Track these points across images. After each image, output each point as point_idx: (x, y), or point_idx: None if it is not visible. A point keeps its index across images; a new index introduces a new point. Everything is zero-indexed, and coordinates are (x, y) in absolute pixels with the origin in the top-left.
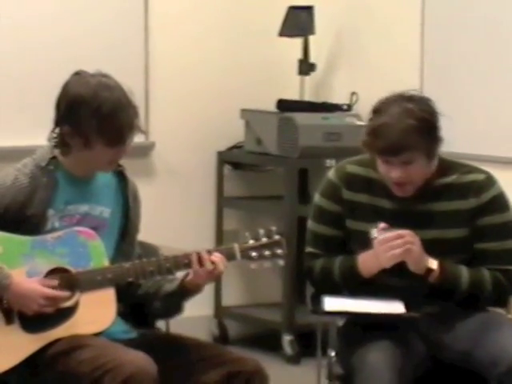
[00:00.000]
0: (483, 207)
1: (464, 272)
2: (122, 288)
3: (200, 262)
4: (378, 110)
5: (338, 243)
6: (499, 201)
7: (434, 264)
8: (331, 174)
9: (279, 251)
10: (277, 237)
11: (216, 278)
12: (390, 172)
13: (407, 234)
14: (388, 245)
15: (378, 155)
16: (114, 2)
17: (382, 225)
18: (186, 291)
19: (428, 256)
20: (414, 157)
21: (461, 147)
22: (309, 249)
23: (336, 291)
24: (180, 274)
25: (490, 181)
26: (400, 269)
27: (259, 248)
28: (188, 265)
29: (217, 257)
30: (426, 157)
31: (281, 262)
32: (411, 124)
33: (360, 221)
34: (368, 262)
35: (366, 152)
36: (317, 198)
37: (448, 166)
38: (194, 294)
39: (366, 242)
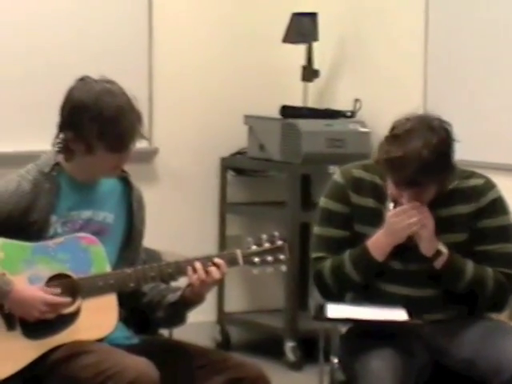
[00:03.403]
0: (482, 210)
1: (469, 264)
2: (126, 295)
3: (193, 270)
4: (397, 137)
5: (348, 245)
6: (498, 204)
7: (444, 248)
8: (337, 176)
9: (282, 257)
10: (279, 242)
11: (211, 285)
12: (400, 196)
13: (425, 209)
14: (405, 215)
15: (392, 182)
16: (118, 7)
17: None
18: (187, 301)
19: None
20: (428, 188)
21: (464, 154)
22: (316, 254)
23: (350, 288)
24: (184, 282)
25: (489, 184)
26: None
27: (262, 254)
28: (187, 272)
29: (216, 264)
30: (438, 185)
31: (283, 268)
32: (429, 161)
33: (366, 225)
34: (380, 241)
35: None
36: (323, 201)
37: None
38: (195, 304)
39: None
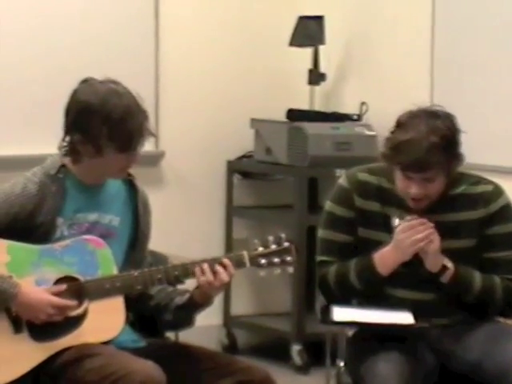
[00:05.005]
0: (492, 217)
1: (476, 276)
2: (133, 298)
3: (201, 272)
4: (402, 125)
5: (352, 249)
6: (507, 211)
7: (449, 263)
8: (342, 180)
9: (289, 258)
10: (286, 244)
11: (219, 288)
12: (408, 188)
13: (431, 225)
14: (412, 230)
15: (400, 170)
16: (124, 11)
17: (409, 217)
18: (195, 303)
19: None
20: (436, 174)
21: (472, 157)
22: (321, 258)
23: (353, 296)
24: (192, 285)
25: (498, 191)
26: (413, 276)
27: (268, 255)
28: (195, 273)
29: (224, 265)
30: (446, 174)
31: (290, 269)
32: (437, 142)
33: (370, 229)
34: (387, 257)
35: (382, 163)
36: (328, 205)
37: (456, 177)
38: (203, 307)
39: (375, 250)
